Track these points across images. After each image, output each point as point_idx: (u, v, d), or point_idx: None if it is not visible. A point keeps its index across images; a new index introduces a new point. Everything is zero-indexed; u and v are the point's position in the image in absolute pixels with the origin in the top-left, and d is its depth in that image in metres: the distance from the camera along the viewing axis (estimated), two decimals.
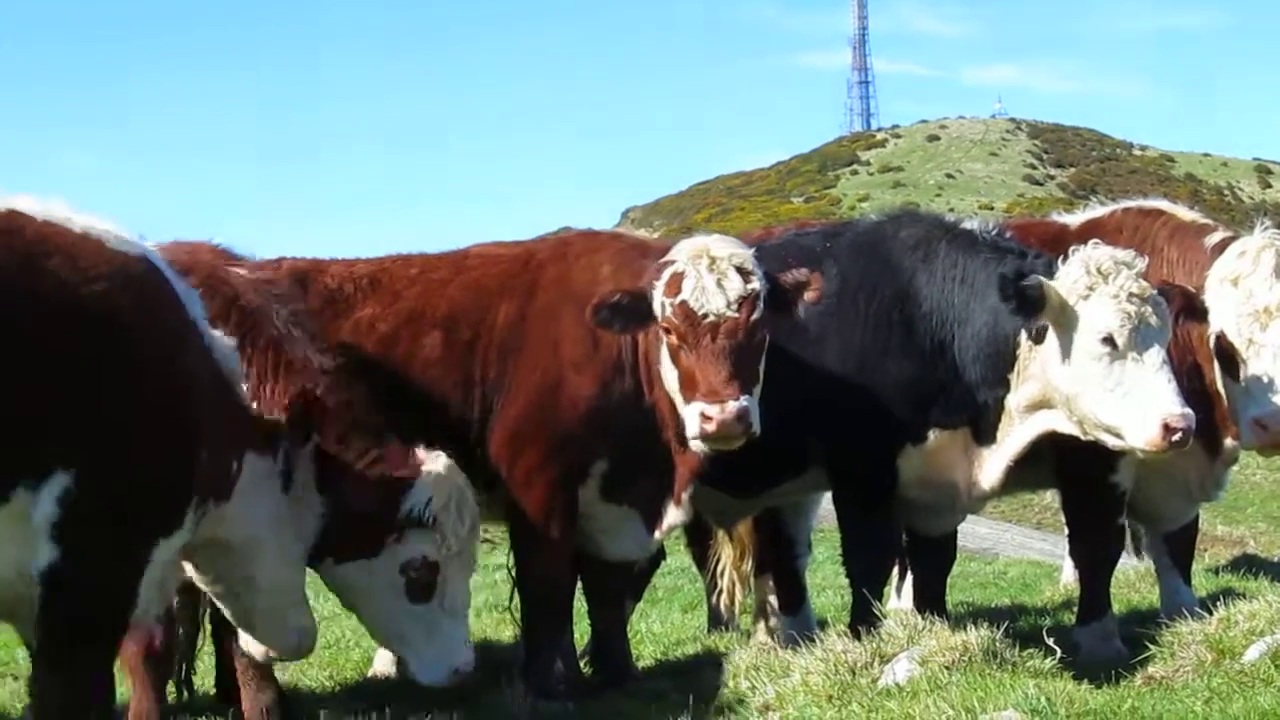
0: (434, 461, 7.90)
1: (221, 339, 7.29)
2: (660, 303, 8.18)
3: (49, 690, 6.53)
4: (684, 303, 8.07)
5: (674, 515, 8.75)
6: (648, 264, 8.52)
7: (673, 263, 8.25)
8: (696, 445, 8.16)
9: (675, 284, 8.14)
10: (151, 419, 6.62)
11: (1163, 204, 10.03)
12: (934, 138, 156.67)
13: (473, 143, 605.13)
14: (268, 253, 9.37)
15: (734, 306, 8.05)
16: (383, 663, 10.17)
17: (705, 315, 8.02)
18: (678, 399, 8.19)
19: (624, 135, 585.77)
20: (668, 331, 8.14)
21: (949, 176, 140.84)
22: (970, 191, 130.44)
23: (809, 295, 8.36)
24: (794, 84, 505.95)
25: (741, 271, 8.15)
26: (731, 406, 7.81)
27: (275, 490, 7.49)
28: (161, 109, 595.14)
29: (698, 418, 7.90)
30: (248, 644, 7.98)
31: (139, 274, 6.72)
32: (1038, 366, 8.51)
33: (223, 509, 7.17)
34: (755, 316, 8.10)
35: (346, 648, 11.89)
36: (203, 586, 7.82)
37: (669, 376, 8.25)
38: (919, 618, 8.26)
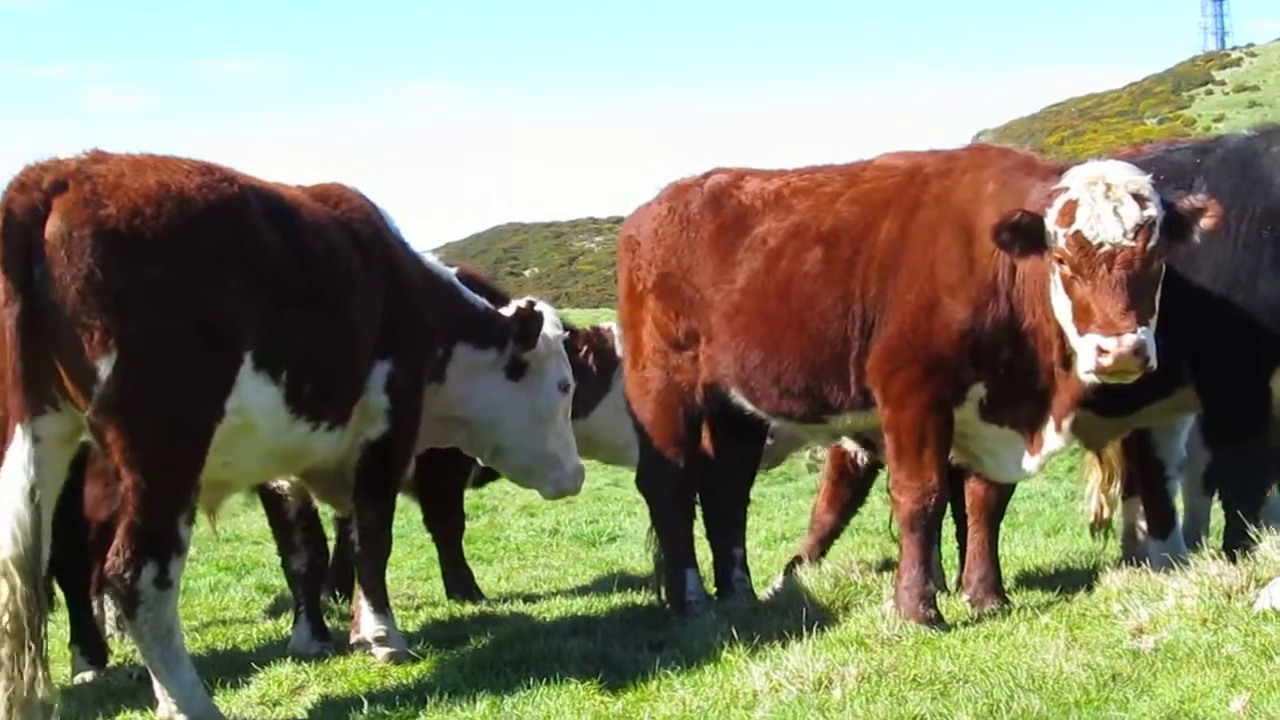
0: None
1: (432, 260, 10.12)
2: (1053, 231, 7.94)
3: (368, 516, 9.16)
4: (1078, 232, 7.82)
5: (1054, 441, 8.60)
6: (1033, 182, 8.37)
7: (1066, 189, 7.99)
8: (1090, 379, 7.94)
9: (1069, 212, 7.89)
10: (418, 322, 9.18)
11: None
12: None
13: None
14: None
15: (1130, 235, 7.79)
16: None
17: (1100, 245, 7.78)
18: (1070, 330, 7.98)
19: (976, 56, 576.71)
20: (1060, 261, 7.91)
21: None
22: None
23: (1206, 222, 8.04)
24: (1146, 2, 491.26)
25: (1138, 198, 7.85)
26: (1129, 340, 7.62)
27: (499, 378, 10.08)
28: None
29: (1093, 351, 7.71)
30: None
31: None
32: None
33: (444, 389, 9.85)
34: (1152, 245, 7.84)
35: None
36: (471, 454, 10.72)
37: (1060, 306, 8.03)
38: None
